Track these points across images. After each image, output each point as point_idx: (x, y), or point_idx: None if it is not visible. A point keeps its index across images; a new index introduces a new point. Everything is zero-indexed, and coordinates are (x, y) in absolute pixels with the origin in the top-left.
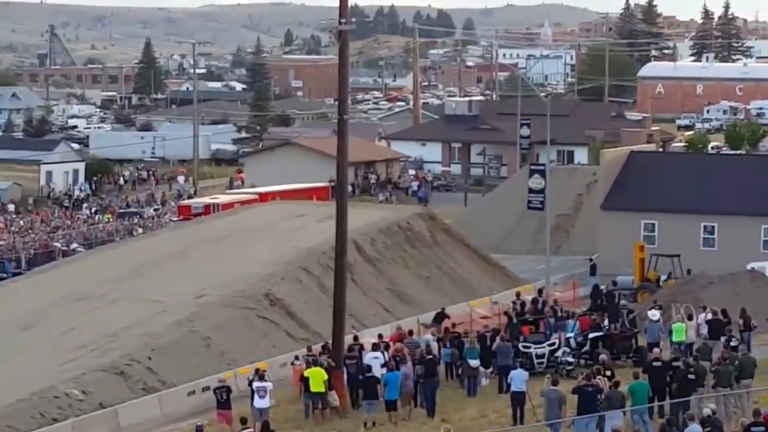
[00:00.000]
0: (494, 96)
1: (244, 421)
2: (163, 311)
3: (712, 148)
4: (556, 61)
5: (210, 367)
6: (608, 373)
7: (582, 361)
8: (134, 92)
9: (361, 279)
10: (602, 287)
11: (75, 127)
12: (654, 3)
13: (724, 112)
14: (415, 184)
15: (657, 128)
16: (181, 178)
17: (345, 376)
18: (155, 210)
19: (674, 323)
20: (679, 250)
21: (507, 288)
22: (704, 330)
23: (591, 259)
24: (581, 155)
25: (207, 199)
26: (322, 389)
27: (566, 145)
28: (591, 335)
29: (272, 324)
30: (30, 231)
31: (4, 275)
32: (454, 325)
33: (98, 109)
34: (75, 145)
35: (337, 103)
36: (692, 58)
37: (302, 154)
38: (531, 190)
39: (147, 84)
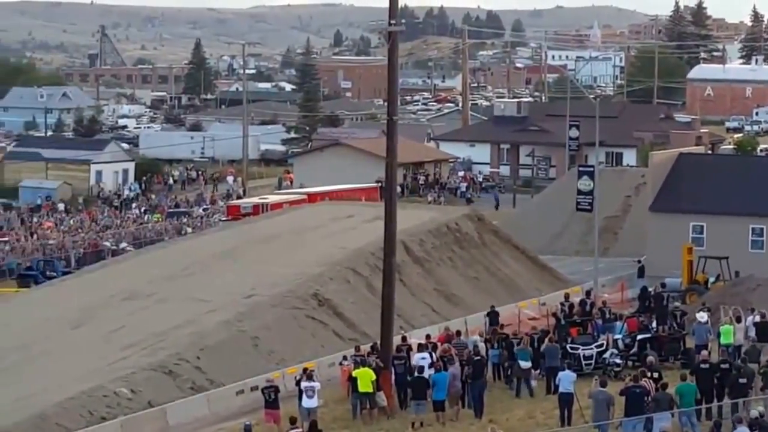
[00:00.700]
0: (543, 97)
1: (293, 420)
2: (212, 311)
3: (761, 150)
4: (605, 63)
5: (258, 366)
6: (655, 374)
7: (630, 363)
8: (184, 92)
9: (410, 280)
10: (650, 289)
11: (125, 126)
12: (703, 5)
13: None
14: (463, 185)
15: (706, 130)
16: (230, 178)
17: (393, 377)
18: (204, 210)
19: (722, 325)
20: (728, 252)
21: (555, 289)
22: (752, 332)
23: (639, 261)
24: (630, 157)
25: (256, 199)
26: (370, 389)
27: (615, 146)
28: (639, 337)
29: (320, 324)
30: (80, 230)
31: (54, 274)
32: (502, 326)
33: (148, 109)
34: (125, 145)
35: (386, 103)
36: (741, 60)
37: (351, 154)
38: (579, 192)
39: (197, 84)
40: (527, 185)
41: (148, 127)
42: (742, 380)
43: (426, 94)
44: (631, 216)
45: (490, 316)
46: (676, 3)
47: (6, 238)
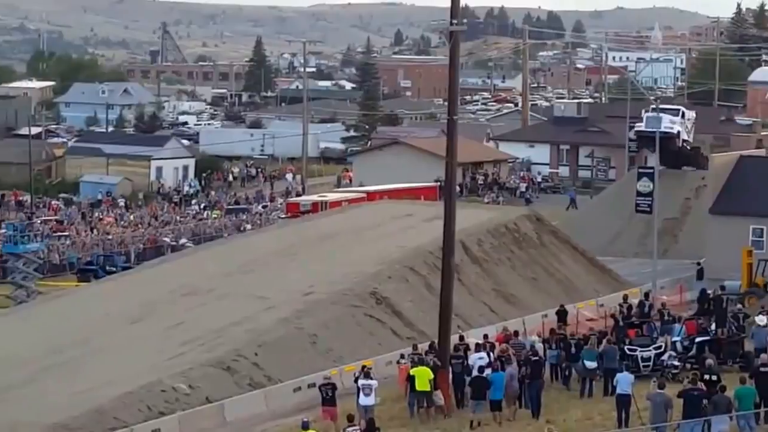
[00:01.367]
0: (603, 98)
1: (350, 418)
2: (271, 308)
3: None
4: (666, 64)
5: (316, 364)
6: (713, 377)
7: (688, 366)
8: (244, 90)
9: (468, 279)
10: (709, 292)
11: (185, 123)
12: (766, 8)
13: None
14: (522, 186)
15: (766, 133)
16: (289, 176)
17: (450, 376)
18: (263, 207)
19: None
20: None
21: (613, 291)
22: None
23: (698, 264)
24: None
25: (315, 197)
26: (428, 388)
27: None
28: (698, 339)
29: (378, 322)
30: (139, 226)
31: (114, 269)
32: (560, 326)
33: (208, 106)
34: (185, 142)
35: (446, 103)
36: None
37: (410, 153)
38: (639, 194)
39: (257, 82)
40: (586, 186)
41: (209, 124)
42: None
43: (485, 94)
44: (691, 218)
45: (559, 314)
46: (738, 5)
47: (66, 233)
